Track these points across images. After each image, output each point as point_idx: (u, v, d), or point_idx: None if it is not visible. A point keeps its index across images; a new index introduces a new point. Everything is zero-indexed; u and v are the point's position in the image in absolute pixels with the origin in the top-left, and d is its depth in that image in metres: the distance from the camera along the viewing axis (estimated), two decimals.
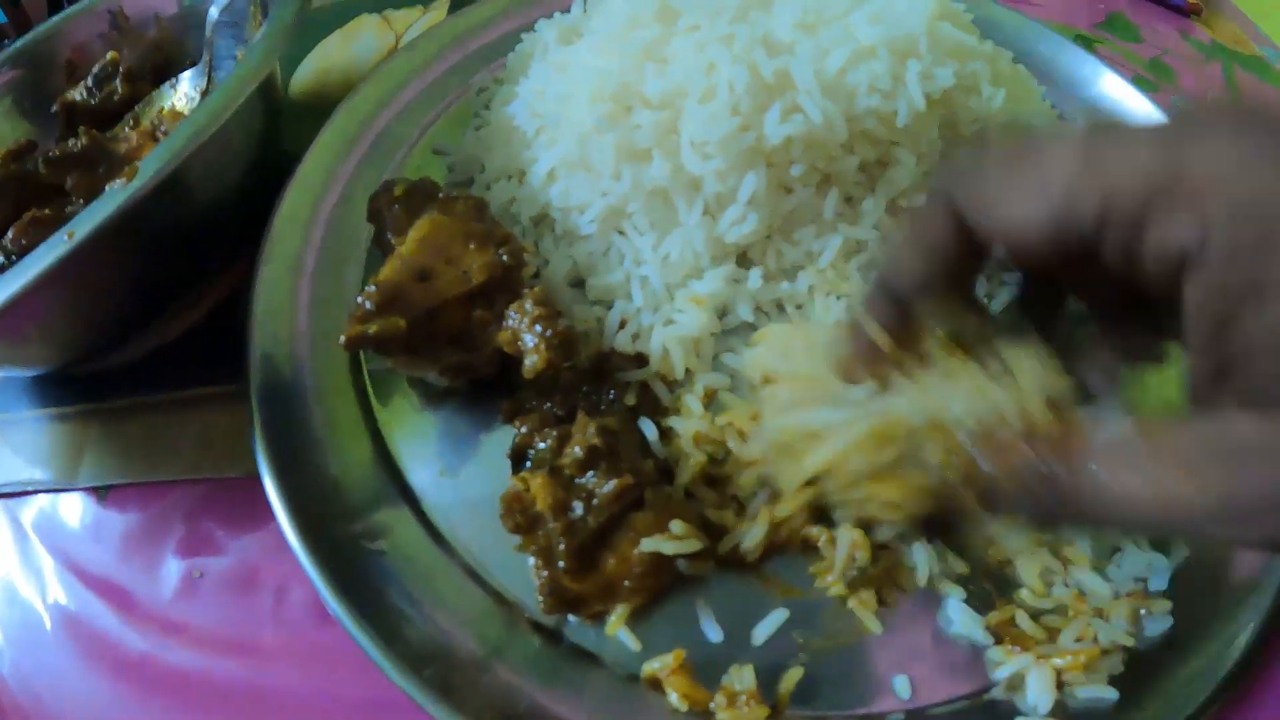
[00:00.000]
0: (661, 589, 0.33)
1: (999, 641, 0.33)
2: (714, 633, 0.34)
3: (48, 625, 0.40)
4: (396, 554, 0.36)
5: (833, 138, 0.39)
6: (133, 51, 0.51)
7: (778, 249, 0.40)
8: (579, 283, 0.40)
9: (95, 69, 0.50)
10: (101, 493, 0.42)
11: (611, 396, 0.35)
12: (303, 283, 0.41)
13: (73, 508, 0.43)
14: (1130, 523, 0.24)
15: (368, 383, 0.40)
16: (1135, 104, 0.53)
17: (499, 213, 0.42)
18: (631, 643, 0.33)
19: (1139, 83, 0.55)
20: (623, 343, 0.38)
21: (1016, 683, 0.33)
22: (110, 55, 0.50)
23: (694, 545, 0.32)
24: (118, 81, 0.49)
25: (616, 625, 0.33)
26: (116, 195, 0.36)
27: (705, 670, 0.33)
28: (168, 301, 0.44)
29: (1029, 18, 0.57)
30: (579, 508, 0.32)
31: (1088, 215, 0.22)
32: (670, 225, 0.39)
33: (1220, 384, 0.22)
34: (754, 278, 0.39)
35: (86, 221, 0.36)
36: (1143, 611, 0.33)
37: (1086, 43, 0.62)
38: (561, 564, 0.32)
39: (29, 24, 0.71)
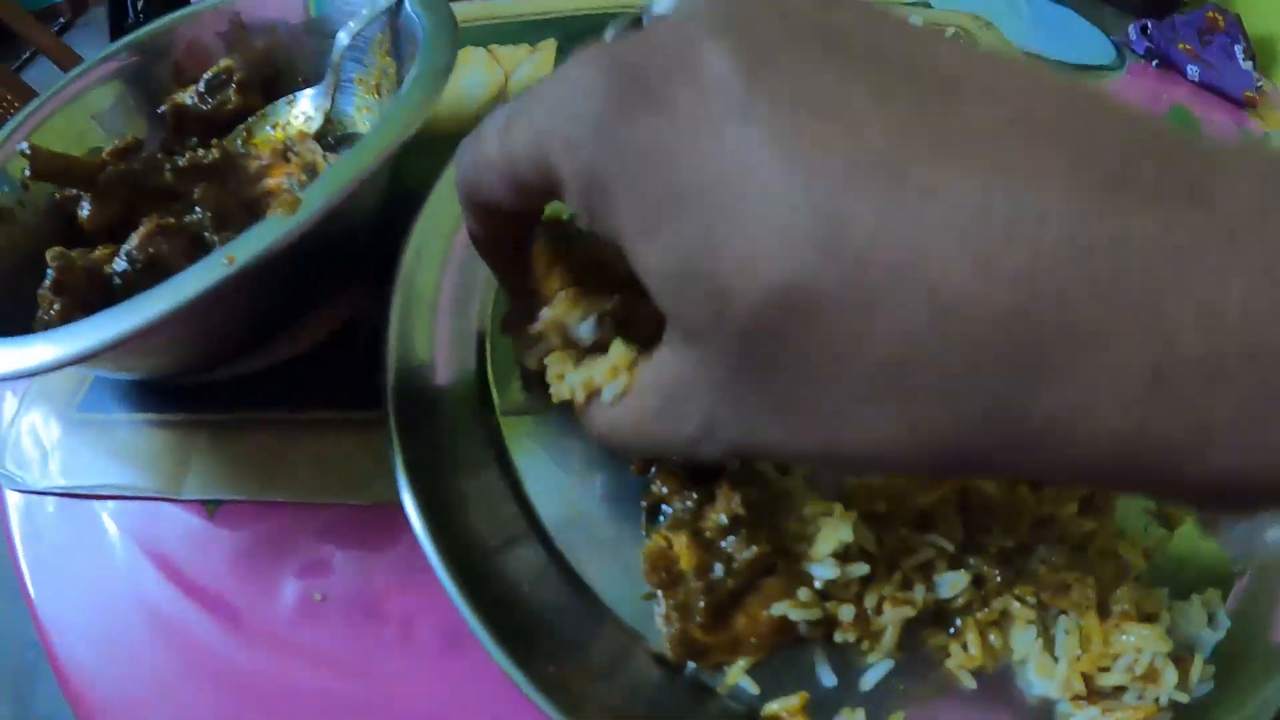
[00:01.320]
0: (780, 647, 0.36)
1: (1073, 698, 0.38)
2: (828, 677, 0.37)
3: (144, 633, 0.40)
4: (528, 584, 0.38)
5: None
6: (243, 60, 0.51)
7: None
8: None
9: (208, 75, 0.50)
10: (210, 507, 0.43)
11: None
12: (436, 317, 0.43)
13: (176, 518, 0.43)
14: (627, 449, 0.29)
15: (499, 421, 0.42)
16: None
17: None
18: (751, 688, 0.36)
19: None
20: None
21: None
22: (225, 63, 0.50)
23: (815, 614, 0.36)
24: (231, 91, 0.49)
25: (735, 676, 0.36)
26: (281, 225, 0.37)
27: (817, 712, 0.36)
28: (287, 324, 0.45)
29: None
30: (719, 569, 0.35)
31: (526, 180, 0.24)
32: None
33: None
34: None
35: (248, 247, 0.37)
36: (1193, 675, 0.38)
37: None
38: (699, 619, 0.35)
39: (86, 3, 0.69)
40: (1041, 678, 0.38)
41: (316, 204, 0.37)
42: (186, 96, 0.49)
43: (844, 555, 0.36)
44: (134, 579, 0.42)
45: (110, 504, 0.43)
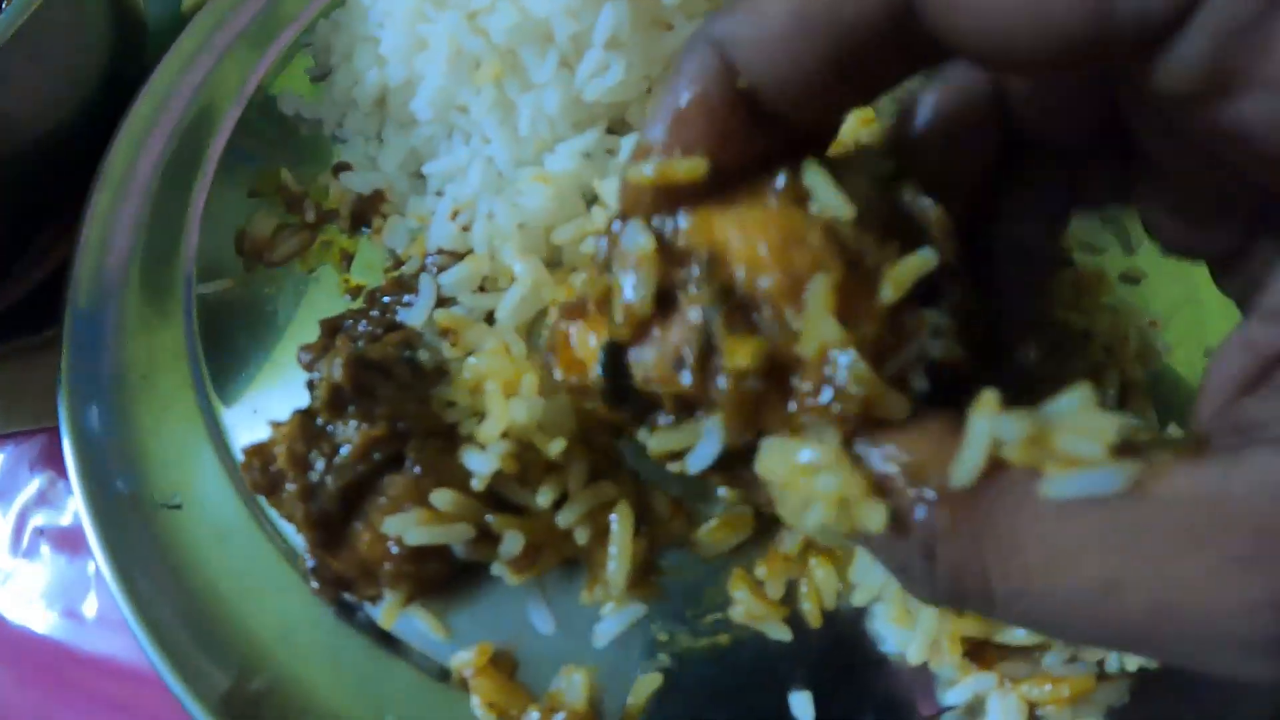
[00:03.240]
0: (438, 579, 0.25)
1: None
2: (544, 623, 0.25)
3: None
4: (193, 511, 0.29)
5: None
6: None
7: None
8: (420, 172, 0.32)
9: None
10: None
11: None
12: (143, 204, 0.36)
13: None
14: (1086, 635, 0.13)
15: (195, 309, 0.33)
16: None
17: (342, 99, 0.34)
18: (437, 634, 0.25)
19: None
20: (449, 237, 0.29)
21: (975, 709, 0.22)
22: None
23: (462, 533, 0.23)
24: None
25: (390, 617, 0.25)
26: None
27: (536, 669, 0.25)
28: (30, 239, 0.40)
29: None
30: (320, 464, 0.24)
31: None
32: (520, 90, 0.29)
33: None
34: (626, 146, 0.29)
35: None
36: None
37: None
38: (303, 534, 0.25)
39: None
40: (899, 627, 0.23)
41: None
42: None
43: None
44: None
45: None
